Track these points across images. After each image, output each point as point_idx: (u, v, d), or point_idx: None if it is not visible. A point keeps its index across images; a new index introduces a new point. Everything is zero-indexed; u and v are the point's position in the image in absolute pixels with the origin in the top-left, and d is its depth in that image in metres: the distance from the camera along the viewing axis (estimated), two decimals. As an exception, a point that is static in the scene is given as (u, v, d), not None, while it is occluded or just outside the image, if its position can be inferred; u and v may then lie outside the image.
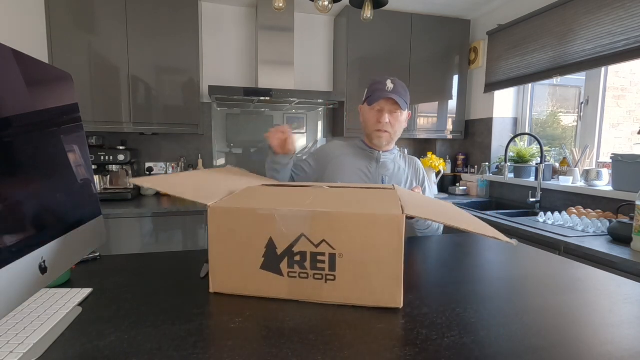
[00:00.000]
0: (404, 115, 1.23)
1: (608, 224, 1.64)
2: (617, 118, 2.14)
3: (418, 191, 1.05)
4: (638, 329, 0.55)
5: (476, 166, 2.94)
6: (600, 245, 1.41)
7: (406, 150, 3.11)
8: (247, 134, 2.87)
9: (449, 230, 1.98)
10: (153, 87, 2.33)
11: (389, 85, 1.17)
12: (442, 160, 2.78)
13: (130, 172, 2.39)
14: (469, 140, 3.03)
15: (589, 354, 0.48)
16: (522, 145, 2.56)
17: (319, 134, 3.04)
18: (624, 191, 1.79)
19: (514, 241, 0.65)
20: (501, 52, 2.62)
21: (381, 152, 1.26)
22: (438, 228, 1.23)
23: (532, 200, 2.24)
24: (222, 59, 2.75)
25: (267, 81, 2.58)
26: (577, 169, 2.14)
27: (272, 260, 0.63)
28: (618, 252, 1.33)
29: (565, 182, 2.16)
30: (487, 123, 2.81)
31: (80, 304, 0.61)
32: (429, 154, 2.84)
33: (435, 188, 2.74)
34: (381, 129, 1.20)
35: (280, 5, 1.65)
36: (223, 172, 1.03)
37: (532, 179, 2.43)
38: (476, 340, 0.51)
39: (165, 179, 0.79)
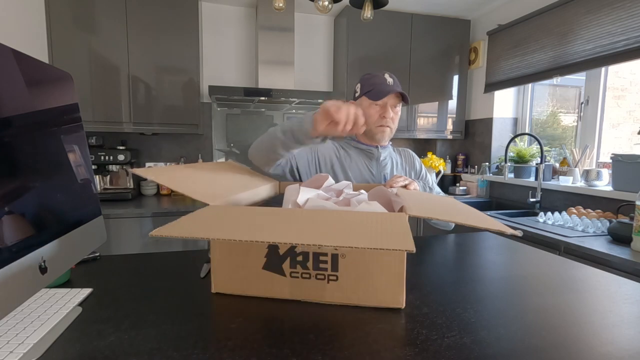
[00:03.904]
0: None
1: (608, 224, 1.64)
2: (617, 118, 2.14)
3: (415, 186, 1.05)
4: (638, 329, 0.55)
5: (476, 166, 2.94)
6: (600, 245, 1.41)
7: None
8: (247, 134, 2.87)
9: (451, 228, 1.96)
10: (153, 87, 2.33)
11: (389, 79, 1.14)
12: (442, 160, 2.77)
13: (130, 172, 2.39)
14: (469, 140, 3.03)
15: (589, 354, 0.48)
16: (522, 145, 2.56)
17: (319, 134, 3.04)
18: (624, 191, 1.79)
19: (518, 232, 0.65)
20: (501, 52, 2.62)
21: (380, 149, 1.23)
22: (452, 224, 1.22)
23: (532, 200, 2.24)
24: (222, 59, 2.75)
25: (267, 81, 2.58)
26: (577, 169, 2.14)
27: (274, 260, 0.63)
28: (618, 252, 1.33)
29: (565, 182, 2.16)
30: (487, 123, 2.81)
31: (80, 304, 0.61)
32: (429, 154, 2.84)
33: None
34: (384, 125, 1.16)
35: (280, 5, 1.65)
36: (225, 168, 1.03)
37: (532, 179, 2.43)
38: (476, 340, 0.51)
39: (166, 172, 0.79)
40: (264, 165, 1.07)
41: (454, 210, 0.74)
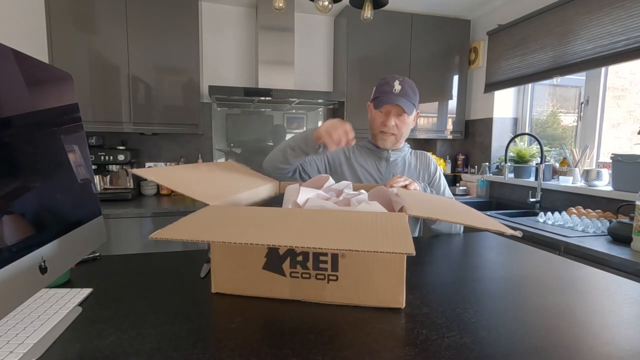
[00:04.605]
0: (412, 116, 1.20)
1: (608, 224, 1.64)
2: (617, 118, 2.14)
3: (415, 187, 1.05)
4: (638, 329, 0.55)
5: (476, 166, 2.94)
6: (600, 245, 1.41)
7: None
8: (247, 134, 2.87)
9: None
10: (153, 87, 2.33)
11: (396, 87, 1.14)
12: (442, 160, 2.78)
13: (130, 172, 2.39)
14: (469, 140, 3.03)
15: (589, 354, 0.48)
16: (522, 145, 2.56)
17: (319, 134, 3.04)
18: (624, 191, 1.79)
19: (518, 232, 0.65)
20: (501, 52, 2.62)
21: (390, 151, 1.26)
22: (461, 227, 1.21)
23: (532, 200, 2.24)
24: (222, 59, 2.75)
25: (267, 81, 2.58)
26: (577, 169, 2.14)
27: (274, 260, 0.63)
28: (618, 252, 1.33)
29: (565, 182, 2.16)
30: (487, 123, 2.81)
31: (80, 304, 0.61)
32: (429, 154, 2.84)
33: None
34: (386, 132, 1.19)
35: (280, 5, 1.65)
36: (225, 168, 1.03)
37: (532, 179, 2.43)
38: (476, 340, 0.51)
39: (167, 172, 0.79)
40: (276, 173, 1.16)
41: (453, 211, 0.74)
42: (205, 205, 0.70)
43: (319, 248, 0.48)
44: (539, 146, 2.19)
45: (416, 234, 1.31)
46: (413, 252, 0.46)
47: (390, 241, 0.50)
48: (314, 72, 2.96)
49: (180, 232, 0.54)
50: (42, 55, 2.21)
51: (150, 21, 2.28)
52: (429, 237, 1.12)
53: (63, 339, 0.50)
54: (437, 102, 2.89)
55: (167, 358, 0.46)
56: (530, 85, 2.66)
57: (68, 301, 0.60)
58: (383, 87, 1.17)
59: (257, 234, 0.53)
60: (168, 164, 2.71)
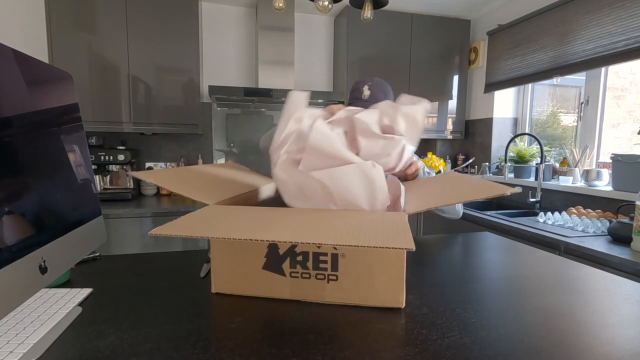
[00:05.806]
0: None
1: (608, 224, 1.64)
2: (617, 118, 2.14)
3: (417, 167, 1.05)
4: (638, 329, 0.55)
5: (476, 166, 2.94)
6: (600, 245, 1.41)
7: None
8: (247, 134, 2.87)
9: (450, 229, 1.97)
10: (153, 87, 2.33)
11: (365, 92, 1.16)
12: (442, 160, 2.78)
13: (130, 172, 2.39)
14: (469, 140, 3.03)
15: (589, 354, 0.48)
16: (522, 145, 2.56)
17: (319, 134, 3.04)
18: (624, 191, 1.79)
19: (517, 189, 0.64)
20: (501, 52, 2.62)
21: None
22: (460, 206, 1.23)
23: (532, 200, 2.24)
24: (222, 59, 2.75)
25: (267, 81, 2.58)
26: (577, 169, 2.14)
27: (274, 260, 0.63)
28: (618, 252, 1.33)
29: (565, 182, 2.16)
30: (487, 123, 2.81)
31: (80, 304, 0.61)
32: (429, 154, 2.84)
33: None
34: None
35: (280, 5, 1.65)
36: (224, 169, 1.03)
37: (532, 179, 2.42)
38: (476, 340, 0.51)
39: (165, 174, 0.79)
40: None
41: (449, 190, 0.74)
42: (206, 205, 0.70)
43: (318, 244, 0.48)
44: (539, 146, 2.18)
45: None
46: (413, 247, 0.46)
47: (390, 237, 0.50)
48: (314, 72, 2.96)
49: (180, 229, 0.54)
50: (42, 55, 2.21)
51: (150, 21, 2.28)
52: (428, 237, 1.12)
53: (63, 339, 0.50)
54: (437, 102, 2.89)
55: (167, 358, 0.46)
56: (530, 85, 2.66)
57: (68, 301, 0.60)
58: (354, 93, 1.20)
59: (256, 231, 0.53)
60: (168, 164, 2.71)
